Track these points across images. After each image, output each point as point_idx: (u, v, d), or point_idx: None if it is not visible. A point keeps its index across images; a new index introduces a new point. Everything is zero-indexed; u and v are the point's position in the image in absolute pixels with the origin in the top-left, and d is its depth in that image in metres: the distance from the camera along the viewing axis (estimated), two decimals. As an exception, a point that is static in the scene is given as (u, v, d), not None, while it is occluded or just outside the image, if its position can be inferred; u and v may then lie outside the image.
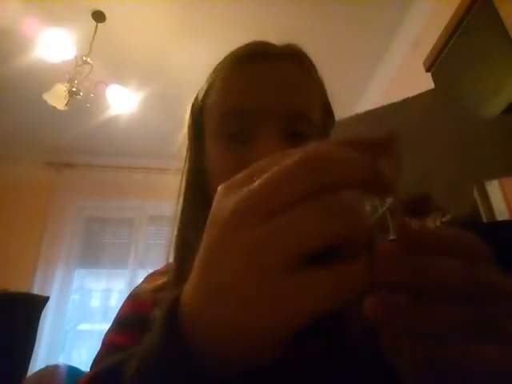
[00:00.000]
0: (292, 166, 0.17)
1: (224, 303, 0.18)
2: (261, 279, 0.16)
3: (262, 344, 0.18)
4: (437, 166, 0.20)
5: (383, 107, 0.22)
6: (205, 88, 0.45)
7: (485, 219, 1.44)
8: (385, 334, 0.20)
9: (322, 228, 0.16)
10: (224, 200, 0.19)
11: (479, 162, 0.20)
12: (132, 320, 0.40)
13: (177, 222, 0.44)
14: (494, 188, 1.37)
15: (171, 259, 0.43)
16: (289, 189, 0.17)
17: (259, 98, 0.39)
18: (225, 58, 0.45)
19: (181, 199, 0.45)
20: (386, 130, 0.20)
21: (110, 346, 0.41)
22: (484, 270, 0.18)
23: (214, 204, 0.20)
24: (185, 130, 0.48)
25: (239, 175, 0.20)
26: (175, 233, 0.43)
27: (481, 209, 1.46)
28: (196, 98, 0.47)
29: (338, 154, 0.17)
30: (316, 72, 0.47)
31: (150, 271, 0.49)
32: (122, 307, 0.44)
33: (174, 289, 0.38)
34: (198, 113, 0.45)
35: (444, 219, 1.79)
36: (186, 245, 0.41)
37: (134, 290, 0.46)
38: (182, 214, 0.44)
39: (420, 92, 0.21)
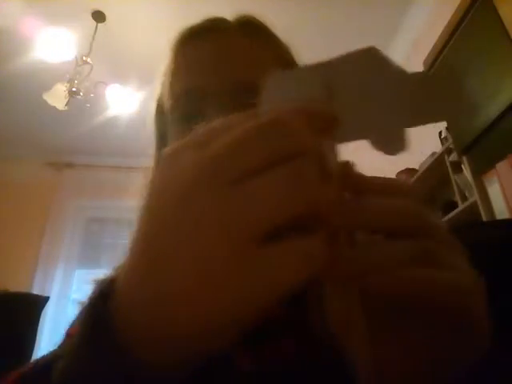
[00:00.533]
0: (261, 128, 0.16)
1: (175, 277, 0.15)
2: (229, 252, 0.14)
3: (217, 332, 0.15)
4: (373, 115, 0.21)
5: (318, 63, 0.22)
6: (162, 75, 0.44)
7: (485, 219, 1.44)
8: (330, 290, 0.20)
9: (296, 196, 0.15)
10: (175, 164, 0.17)
11: (408, 111, 0.22)
12: None
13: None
14: (494, 188, 1.37)
15: None
16: (259, 152, 0.15)
17: (203, 76, 0.37)
18: (175, 37, 0.43)
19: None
20: (325, 84, 0.21)
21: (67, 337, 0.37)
22: (417, 206, 0.19)
23: (160, 169, 0.18)
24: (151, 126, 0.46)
25: (189, 138, 0.17)
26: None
27: (481, 209, 1.46)
28: (159, 89, 0.46)
29: (299, 123, 0.17)
30: (271, 39, 0.44)
31: None
32: None
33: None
34: (160, 103, 0.45)
35: (444, 219, 1.79)
36: None
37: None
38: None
39: (354, 50, 0.22)
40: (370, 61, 0.22)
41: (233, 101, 0.36)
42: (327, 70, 0.22)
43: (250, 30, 0.43)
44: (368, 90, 0.21)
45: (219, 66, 0.38)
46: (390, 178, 0.21)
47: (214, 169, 0.15)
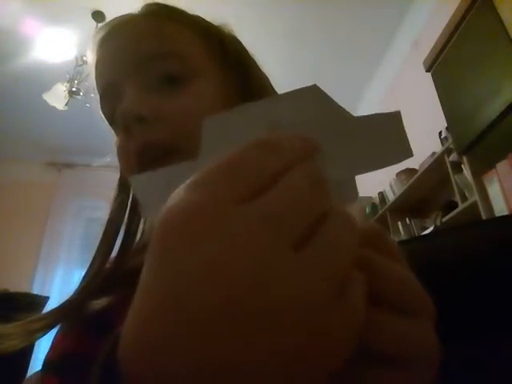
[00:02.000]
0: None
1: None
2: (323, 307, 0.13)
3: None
4: (322, 160, 0.20)
5: (259, 102, 0.20)
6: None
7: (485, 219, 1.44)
8: None
9: (315, 201, 0.15)
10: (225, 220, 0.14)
11: (355, 156, 0.21)
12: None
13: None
14: (494, 188, 1.37)
15: None
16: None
17: (107, 70, 0.36)
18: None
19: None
20: (270, 125, 0.19)
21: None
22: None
23: (205, 225, 0.14)
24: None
25: (221, 181, 0.15)
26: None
27: (481, 209, 1.46)
28: None
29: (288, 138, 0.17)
30: (178, 14, 0.40)
31: None
32: None
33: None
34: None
35: (444, 219, 1.79)
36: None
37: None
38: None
39: (298, 88, 0.21)
40: (313, 100, 0.21)
41: (143, 74, 0.34)
42: (271, 110, 0.20)
43: (147, 11, 0.39)
44: (313, 133, 0.20)
45: (119, 49, 0.35)
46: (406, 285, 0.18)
47: (280, 230, 0.14)
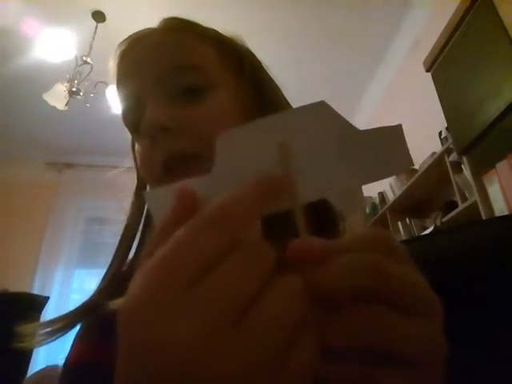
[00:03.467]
0: (199, 228, 0.16)
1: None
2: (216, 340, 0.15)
3: None
4: (328, 172, 0.22)
5: (271, 119, 0.21)
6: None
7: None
8: None
9: (252, 279, 0.16)
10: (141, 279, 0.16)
11: (361, 168, 0.23)
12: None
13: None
14: (494, 188, 1.37)
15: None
16: (207, 248, 0.16)
17: (128, 81, 0.37)
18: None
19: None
20: (280, 142, 0.21)
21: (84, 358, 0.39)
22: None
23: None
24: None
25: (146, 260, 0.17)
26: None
27: (481, 209, 1.46)
28: None
29: (237, 206, 0.17)
30: (198, 28, 0.44)
31: None
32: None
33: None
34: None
35: (444, 219, 1.79)
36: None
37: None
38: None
39: (307, 104, 0.22)
40: (321, 116, 0.22)
41: (164, 85, 0.35)
42: (281, 127, 0.22)
43: (172, 24, 0.43)
44: (322, 147, 0.22)
45: (143, 61, 0.37)
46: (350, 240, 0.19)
47: (217, 313, 0.15)
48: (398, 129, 0.24)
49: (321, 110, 0.22)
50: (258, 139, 0.21)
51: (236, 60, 0.41)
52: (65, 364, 0.38)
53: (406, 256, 0.20)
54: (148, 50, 0.38)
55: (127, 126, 0.40)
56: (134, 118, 0.37)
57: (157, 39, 0.39)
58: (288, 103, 0.44)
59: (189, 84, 0.35)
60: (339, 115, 0.23)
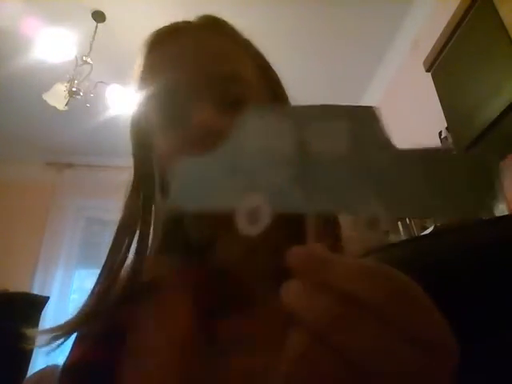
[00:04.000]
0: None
1: None
2: None
3: None
4: (353, 190, 0.18)
5: (298, 109, 0.20)
6: (136, 82, 0.44)
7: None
8: None
9: None
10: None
11: (406, 198, 0.18)
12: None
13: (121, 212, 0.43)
14: (494, 188, 1.38)
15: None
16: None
17: (183, 73, 0.38)
18: (143, 44, 0.44)
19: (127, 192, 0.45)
20: (298, 140, 0.19)
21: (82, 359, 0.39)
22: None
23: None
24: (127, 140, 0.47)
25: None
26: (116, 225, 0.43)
27: (481, 209, 1.46)
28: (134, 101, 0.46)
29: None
30: (235, 33, 0.45)
31: None
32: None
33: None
34: (137, 113, 0.46)
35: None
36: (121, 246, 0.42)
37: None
38: (126, 202, 0.44)
39: (353, 106, 0.19)
40: (361, 125, 0.18)
41: (220, 93, 0.37)
42: (306, 121, 0.19)
43: (216, 27, 0.44)
44: (349, 160, 0.18)
45: (198, 60, 0.38)
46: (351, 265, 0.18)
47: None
48: (487, 158, 0.17)
49: (366, 115, 0.19)
50: (277, 128, 0.19)
51: (265, 75, 0.43)
52: (65, 365, 0.39)
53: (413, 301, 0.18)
54: (201, 53, 0.38)
55: (156, 113, 0.39)
56: (168, 111, 0.38)
57: (211, 44, 0.40)
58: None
59: (235, 95, 0.37)
60: (385, 128, 0.19)
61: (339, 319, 0.16)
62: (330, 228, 0.38)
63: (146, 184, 0.43)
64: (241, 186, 0.20)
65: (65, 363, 0.39)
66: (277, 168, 0.19)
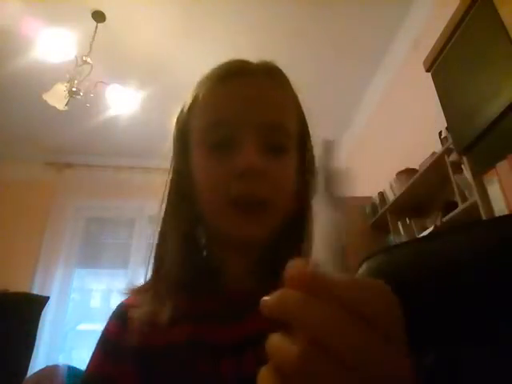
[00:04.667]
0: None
1: None
2: None
3: None
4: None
5: None
6: (189, 102, 0.48)
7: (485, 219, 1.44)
8: None
9: None
10: None
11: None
12: (120, 348, 0.42)
13: (158, 229, 0.48)
14: (494, 188, 1.37)
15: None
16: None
17: (237, 111, 0.43)
18: (206, 75, 0.48)
19: (164, 206, 0.49)
20: None
21: (96, 375, 0.43)
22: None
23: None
24: (170, 141, 0.51)
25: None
26: (156, 241, 0.48)
27: (481, 209, 1.46)
28: (181, 111, 0.50)
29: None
30: (290, 87, 0.50)
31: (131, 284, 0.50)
32: (107, 327, 0.46)
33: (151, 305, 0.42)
34: (184, 125, 0.49)
35: (444, 219, 1.79)
36: (163, 256, 0.45)
37: (118, 309, 0.47)
38: (164, 220, 0.48)
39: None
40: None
41: (264, 138, 0.42)
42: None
43: (273, 74, 0.48)
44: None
45: (252, 103, 0.44)
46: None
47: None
48: None
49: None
50: None
51: (302, 128, 0.49)
52: (85, 374, 0.43)
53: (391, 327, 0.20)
54: (258, 101, 0.44)
55: (207, 136, 0.44)
56: (219, 137, 0.43)
57: (268, 94, 0.45)
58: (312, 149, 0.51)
59: (277, 143, 0.44)
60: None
61: (337, 325, 0.18)
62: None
63: (184, 193, 0.47)
64: None
65: (86, 370, 0.43)
66: None
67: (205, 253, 0.48)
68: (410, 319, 0.20)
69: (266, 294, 0.21)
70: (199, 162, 0.45)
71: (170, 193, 0.49)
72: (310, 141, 0.50)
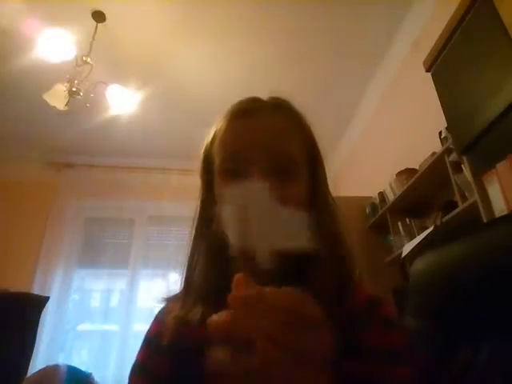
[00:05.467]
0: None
1: None
2: None
3: None
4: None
5: None
6: (210, 137, 0.57)
7: (485, 219, 1.44)
8: None
9: None
10: None
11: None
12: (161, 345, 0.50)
13: (189, 248, 0.55)
14: (494, 188, 1.37)
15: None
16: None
17: (246, 145, 0.51)
18: (223, 114, 0.57)
19: (192, 229, 0.56)
20: None
21: (141, 364, 0.53)
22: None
23: None
24: (198, 171, 0.59)
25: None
26: (187, 254, 0.56)
27: (481, 209, 1.46)
28: (206, 145, 0.59)
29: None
30: (297, 118, 0.57)
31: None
32: (151, 325, 0.57)
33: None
34: (207, 157, 0.57)
35: (444, 219, 1.79)
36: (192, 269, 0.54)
37: (158, 313, 0.58)
38: (192, 240, 0.56)
39: None
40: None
41: (271, 164, 0.49)
42: None
43: (282, 110, 0.56)
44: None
45: (260, 138, 0.51)
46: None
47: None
48: None
49: None
50: None
51: (310, 153, 0.55)
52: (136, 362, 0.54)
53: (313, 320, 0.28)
54: (267, 133, 0.52)
55: (224, 166, 0.52)
56: (232, 167, 0.51)
57: (277, 126, 0.53)
58: (331, 195, 0.57)
59: (283, 168, 0.50)
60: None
61: (275, 326, 0.26)
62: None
63: (204, 216, 0.55)
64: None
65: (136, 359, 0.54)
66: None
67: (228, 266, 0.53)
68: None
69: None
70: (219, 188, 0.53)
71: (195, 218, 0.57)
72: (318, 163, 0.57)
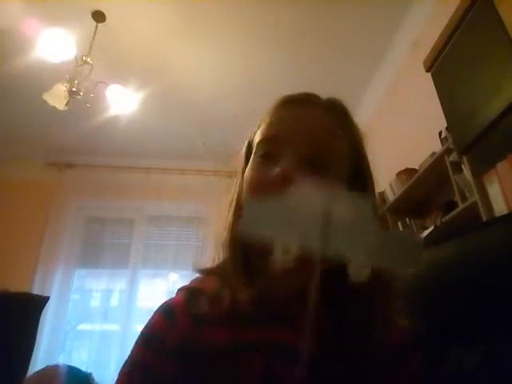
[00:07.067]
0: None
1: None
2: None
3: None
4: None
5: None
6: (258, 124, 0.56)
7: (485, 219, 1.43)
8: None
9: None
10: None
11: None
12: (162, 342, 0.47)
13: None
14: (494, 188, 1.37)
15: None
16: None
17: (288, 131, 0.50)
18: (276, 99, 0.56)
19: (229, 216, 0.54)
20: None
21: (137, 362, 0.47)
22: None
23: None
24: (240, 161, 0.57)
25: None
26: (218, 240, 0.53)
27: (481, 209, 1.46)
28: (252, 133, 0.57)
29: None
30: (348, 122, 0.55)
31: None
32: (153, 321, 0.50)
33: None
34: (250, 142, 0.56)
35: (444, 219, 1.79)
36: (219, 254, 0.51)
37: (165, 306, 0.51)
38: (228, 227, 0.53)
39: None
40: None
41: (305, 155, 0.47)
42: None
43: (332, 108, 0.54)
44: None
45: (301, 127, 0.50)
46: None
47: None
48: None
49: None
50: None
51: (354, 153, 0.52)
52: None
53: None
54: (307, 121, 0.51)
55: (261, 148, 0.51)
56: (270, 149, 0.49)
57: (317, 116, 0.52)
58: (374, 187, 0.54)
59: (318, 162, 0.47)
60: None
61: None
62: None
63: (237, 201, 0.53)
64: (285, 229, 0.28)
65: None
66: (310, 224, 0.27)
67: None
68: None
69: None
70: (248, 170, 0.51)
71: (230, 203, 0.55)
72: (364, 165, 0.54)
